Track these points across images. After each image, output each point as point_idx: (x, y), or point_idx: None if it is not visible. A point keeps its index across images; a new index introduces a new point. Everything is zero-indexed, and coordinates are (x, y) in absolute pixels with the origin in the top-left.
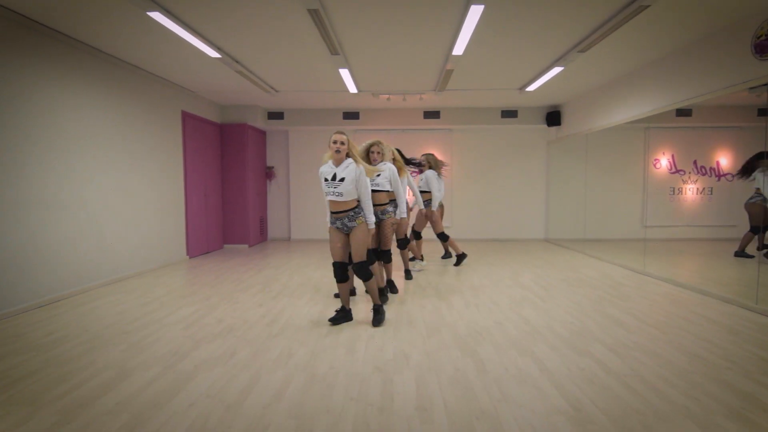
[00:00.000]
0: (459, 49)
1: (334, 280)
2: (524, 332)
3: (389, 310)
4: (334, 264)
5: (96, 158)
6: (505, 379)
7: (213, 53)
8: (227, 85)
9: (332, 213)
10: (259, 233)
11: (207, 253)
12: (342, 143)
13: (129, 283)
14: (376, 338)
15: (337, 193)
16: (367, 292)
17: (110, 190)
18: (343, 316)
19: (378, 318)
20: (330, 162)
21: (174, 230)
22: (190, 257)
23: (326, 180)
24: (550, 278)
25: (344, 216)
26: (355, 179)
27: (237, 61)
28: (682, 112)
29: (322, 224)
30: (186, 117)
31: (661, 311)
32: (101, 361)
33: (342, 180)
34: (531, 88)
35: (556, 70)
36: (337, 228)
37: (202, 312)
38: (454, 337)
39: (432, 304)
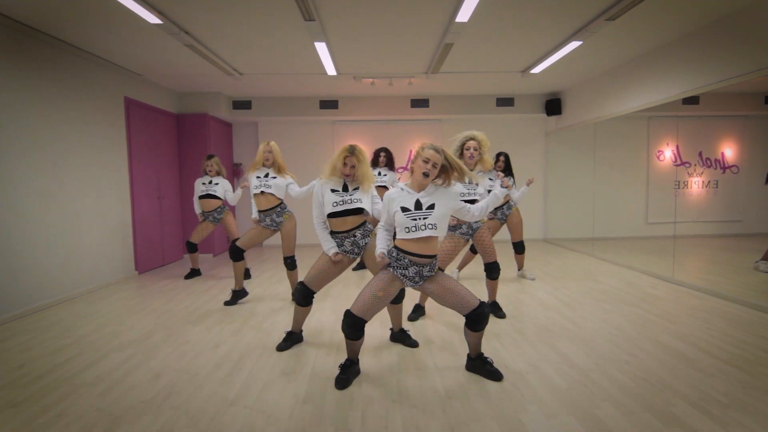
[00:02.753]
0: (464, 14)
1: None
2: (573, 381)
3: (390, 349)
4: (348, 316)
5: (9, 156)
6: None
7: (152, 18)
8: (180, 65)
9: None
10: (226, 240)
11: (162, 266)
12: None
13: (51, 313)
14: (375, 404)
15: (430, 225)
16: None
17: (29, 195)
18: (353, 372)
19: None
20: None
21: (118, 241)
22: (140, 273)
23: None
24: (569, 290)
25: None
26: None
27: (186, 32)
28: (689, 100)
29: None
30: (131, 105)
31: (726, 339)
32: None
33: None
34: (536, 69)
35: (572, 46)
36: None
37: (136, 361)
38: (483, 395)
39: (440, 336)
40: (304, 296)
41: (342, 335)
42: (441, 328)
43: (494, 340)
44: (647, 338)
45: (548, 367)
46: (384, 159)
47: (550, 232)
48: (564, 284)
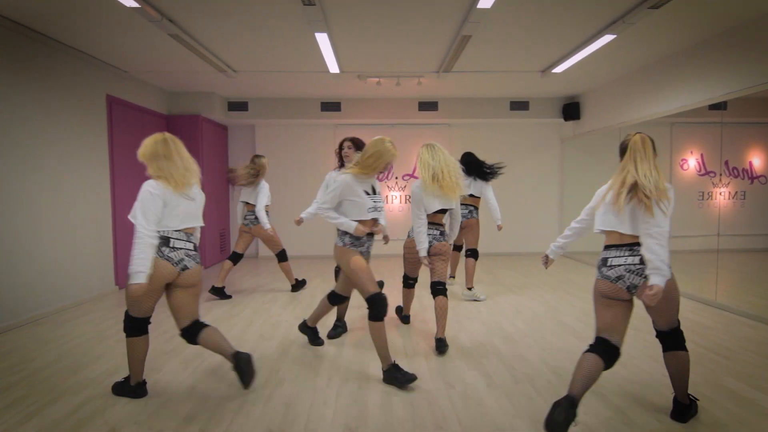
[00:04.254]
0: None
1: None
2: None
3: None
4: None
5: None
6: None
7: (127, 0)
8: (168, 61)
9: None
10: (218, 251)
11: None
12: None
13: (10, 339)
14: None
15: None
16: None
17: None
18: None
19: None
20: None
21: (95, 253)
22: (121, 288)
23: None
24: None
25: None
26: None
27: (169, 19)
28: (716, 105)
29: (296, 238)
30: (113, 103)
31: None
32: None
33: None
34: (559, 68)
35: (604, 40)
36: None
37: (90, 409)
38: None
39: (460, 383)
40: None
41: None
42: (455, 370)
43: (526, 383)
44: (709, 382)
45: (604, 430)
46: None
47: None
48: (591, 305)
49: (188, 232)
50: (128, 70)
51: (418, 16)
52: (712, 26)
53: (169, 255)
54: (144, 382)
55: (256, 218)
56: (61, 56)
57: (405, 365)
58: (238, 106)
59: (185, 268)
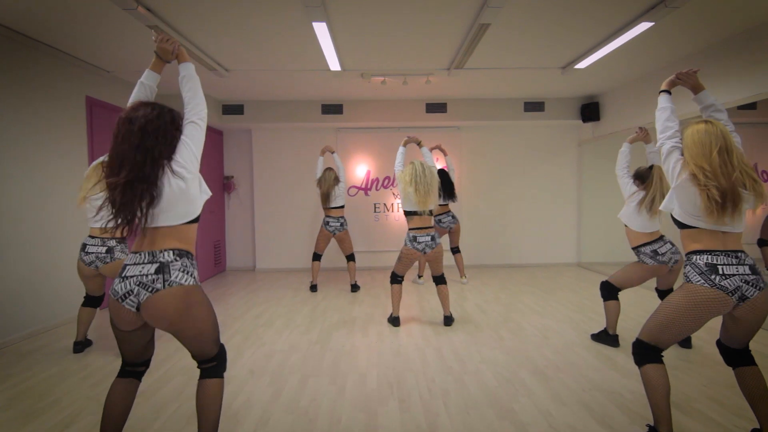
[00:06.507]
0: None
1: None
2: None
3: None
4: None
5: None
6: None
7: None
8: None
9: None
10: (213, 263)
11: None
12: None
13: None
14: None
15: None
16: None
17: None
18: None
19: None
20: None
21: (69, 271)
22: (102, 309)
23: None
24: None
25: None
26: None
27: (147, 8)
28: (746, 105)
29: (296, 249)
30: (94, 106)
31: None
32: None
33: None
34: (582, 64)
35: (640, 28)
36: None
37: None
38: None
39: None
40: None
41: None
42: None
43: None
44: None
45: None
46: None
47: (585, 256)
48: (629, 333)
49: None
50: (111, 70)
51: (431, 2)
52: (758, 15)
53: None
54: None
55: (341, 224)
56: (32, 53)
57: (420, 408)
58: (232, 109)
59: None
